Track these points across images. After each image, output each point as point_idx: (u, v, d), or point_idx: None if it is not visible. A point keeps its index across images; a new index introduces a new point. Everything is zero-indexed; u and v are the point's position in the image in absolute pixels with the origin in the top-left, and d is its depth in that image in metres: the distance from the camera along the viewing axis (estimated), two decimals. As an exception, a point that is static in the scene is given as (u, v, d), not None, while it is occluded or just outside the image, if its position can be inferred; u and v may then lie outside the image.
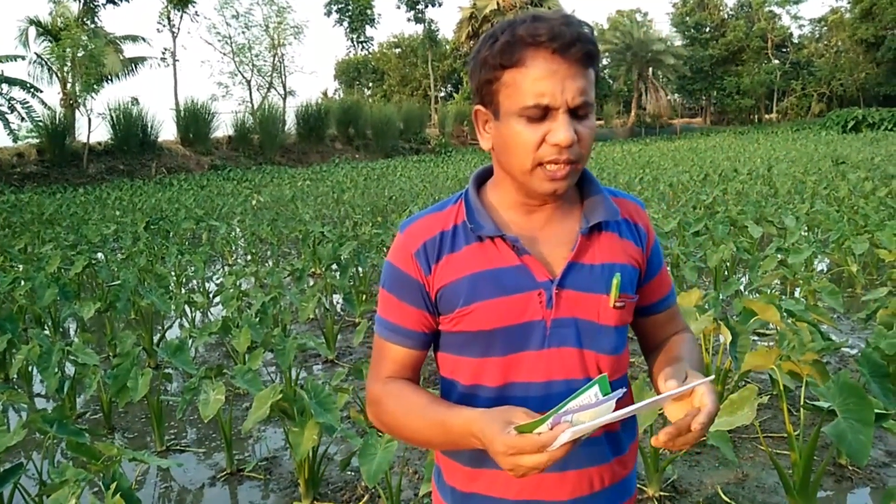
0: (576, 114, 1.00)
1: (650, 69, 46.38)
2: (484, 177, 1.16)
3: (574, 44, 0.97)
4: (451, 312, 1.06)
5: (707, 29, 52.14)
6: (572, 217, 1.11)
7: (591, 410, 0.86)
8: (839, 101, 48.01)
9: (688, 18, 52.11)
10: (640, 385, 2.79)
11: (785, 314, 3.62)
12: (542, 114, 0.98)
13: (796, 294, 5.74)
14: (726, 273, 6.55)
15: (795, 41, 53.13)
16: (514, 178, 1.06)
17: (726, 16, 53.24)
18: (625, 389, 0.90)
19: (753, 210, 8.85)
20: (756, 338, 4.80)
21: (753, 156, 21.25)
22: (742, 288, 5.93)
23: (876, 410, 2.31)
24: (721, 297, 4.79)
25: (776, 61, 51.26)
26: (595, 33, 1.03)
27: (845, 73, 46.29)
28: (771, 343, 4.59)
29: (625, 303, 1.09)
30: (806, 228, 8.11)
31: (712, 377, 0.95)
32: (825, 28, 51.47)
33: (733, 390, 3.61)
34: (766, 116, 52.47)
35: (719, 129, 46.51)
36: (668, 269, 6.84)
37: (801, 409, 2.99)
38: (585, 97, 0.99)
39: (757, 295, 5.23)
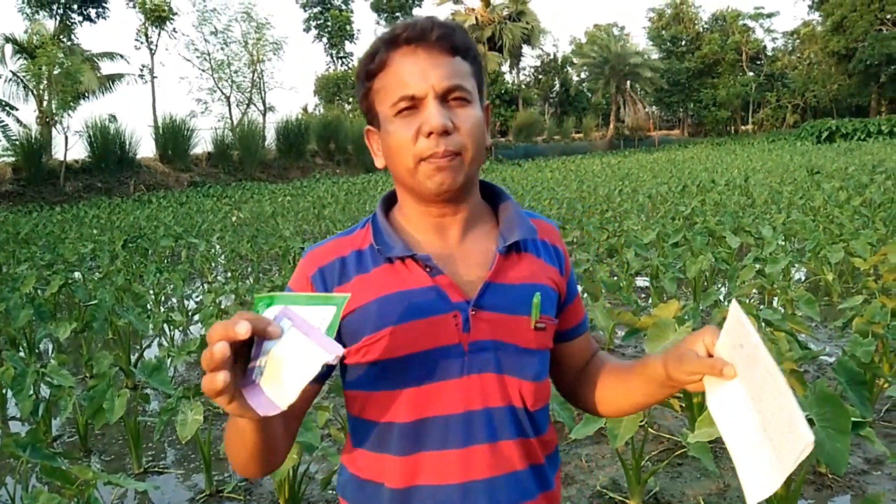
0: (448, 101, 0.96)
1: (628, 82, 46.97)
2: (392, 200, 1.10)
3: (431, 31, 0.95)
4: (358, 342, 0.97)
5: (683, 42, 53.05)
6: (488, 237, 1.05)
7: (304, 339, 0.75)
8: (813, 112, 48.95)
9: (664, 32, 53.00)
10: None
11: (763, 323, 3.66)
12: (412, 105, 0.95)
13: (774, 303, 5.80)
14: (705, 283, 6.61)
15: (769, 54, 54.21)
16: (407, 186, 1.01)
17: (701, 29, 54.22)
18: (342, 350, 0.73)
19: (731, 220, 8.95)
20: (735, 347, 4.83)
21: (730, 167, 21.52)
22: (721, 298, 5.97)
23: (853, 419, 2.33)
24: (700, 307, 4.83)
25: (751, 74, 52.23)
26: (465, 32, 1.00)
27: (818, 85, 47.22)
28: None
29: (545, 325, 1.03)
30: (783, 238, 8.21)
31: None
32: (798, 41, 52.59)
33: (714, 400, 3.62)
34: (743, 128, 53.33)
35: (697, 141, 47.12)
36: (636, 282, 6.91)
37: (781, 419, 3.01)
38: (454, 81, 0.95)
39: (736, 305, 5.27)
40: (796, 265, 6.94)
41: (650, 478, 3.01)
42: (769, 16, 53.29)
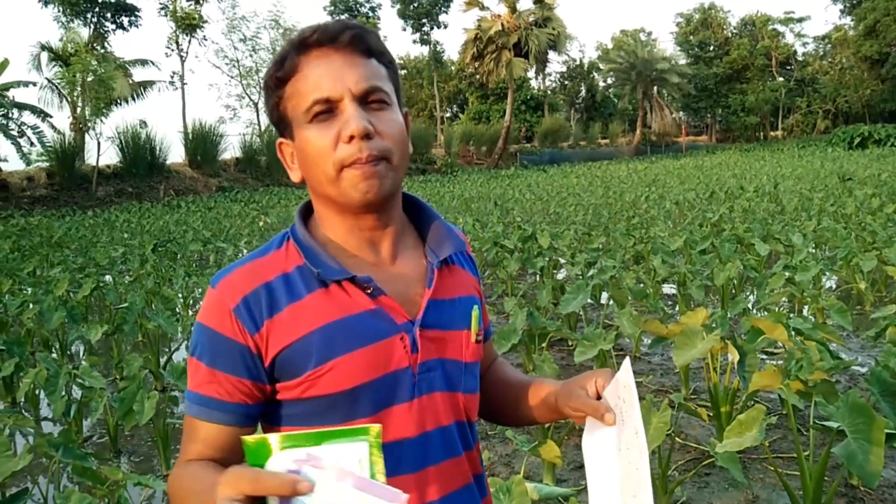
0: (367, 103, 0.90)
1: (655, 88, 46.57)
2: (310, 212, 1.00)
3: (342, 32, 0.90)
4: (299, 377, 0.88)
5: (711, 47, 52.51)
6: (416, 251, 1.01)
7: (355, 493, 0.63)
8: (844, 118, 48.12)
9: (692, 37, 52.53)
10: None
11: (793, 333, 3.60)
12: (328, 109, 0.89)
13: (804, 312, 5.71)
14: (734, 291, 6.52)
15: (800, 59, 53.43)
16: (328, 197, 0.92)
17: (730, 34, 53.62)
18: (407, 496, 0.66)
19: (760, 227, 8.84)
20: (764, 357, 4.77)
21: (759, 173, 21.24)
22: (750, 306, 5.90)
23: (886, 430, 2.29)
24: (728, 315, 4.77)
25: (781, 79, 51.49)
26: (378, 37, 0.96)
27: (850, 90, 46.40)
28: (779, 362, 4.56)
29: (481, 336, 1.02)
30: (813, 246, 8.08)
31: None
32: (829, 45, 51.74)
33: (742, 410, 3.57)
34: (772, 133, 52.58)
35: (725, 147, 46.61)
36: (663, 289, 6.84)
37: (811, 429, 2.97)
38: (372, 82, 0.90)
39: (765, 313, 5.20)
40: (827, 273, 6.82)
41: (677, 487, 2.97)
42: (800, 20, 52.73)
